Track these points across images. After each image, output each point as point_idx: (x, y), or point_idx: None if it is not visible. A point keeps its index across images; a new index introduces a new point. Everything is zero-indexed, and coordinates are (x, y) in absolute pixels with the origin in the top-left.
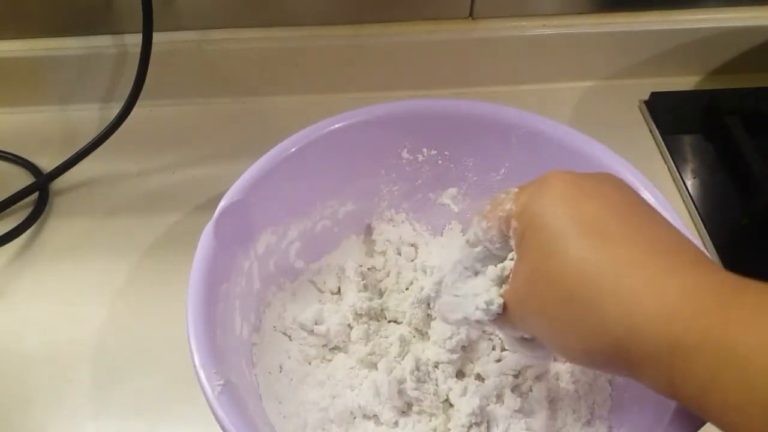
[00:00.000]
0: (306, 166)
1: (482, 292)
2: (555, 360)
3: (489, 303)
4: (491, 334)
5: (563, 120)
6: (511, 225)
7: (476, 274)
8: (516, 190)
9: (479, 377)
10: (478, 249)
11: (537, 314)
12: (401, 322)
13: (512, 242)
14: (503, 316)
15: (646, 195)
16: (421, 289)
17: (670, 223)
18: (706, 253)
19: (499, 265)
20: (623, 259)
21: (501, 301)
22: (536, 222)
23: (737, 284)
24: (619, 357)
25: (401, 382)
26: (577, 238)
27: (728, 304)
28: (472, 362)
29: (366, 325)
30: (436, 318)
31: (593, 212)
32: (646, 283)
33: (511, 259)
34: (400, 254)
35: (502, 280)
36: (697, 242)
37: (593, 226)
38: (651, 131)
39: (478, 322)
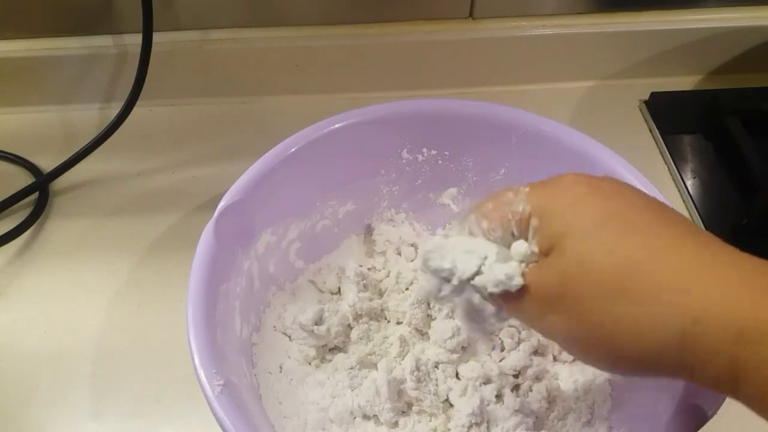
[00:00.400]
0: (306, 166)
1: (493, 257)
2: (555, 360)
3: (509, 277)
4: (491, 334)
5: (563, 120)
6: (531, 224)
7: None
8: (527, 189)
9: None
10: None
11: (567, 314)
12: (401, 322)
13: (532, 244)
14: (513, 300)
15: None
16: (422, 289)
17: (690, 220)
18: None
19: (530, 244)
20: (672, 251)
21: (522, 281)
22: (567, 222)
23: None
24: (682, 351)
25: (401, 382)
26: (619, 235)
27: None
28: None
29: (366, 325)
30: (436, 318)
31: (626, 210)
32: (704, 272)
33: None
34: (400, 254)
35: (525, 259)
36: None
37: (632, 222)
38: (651, 131)
39: (477, 287)
